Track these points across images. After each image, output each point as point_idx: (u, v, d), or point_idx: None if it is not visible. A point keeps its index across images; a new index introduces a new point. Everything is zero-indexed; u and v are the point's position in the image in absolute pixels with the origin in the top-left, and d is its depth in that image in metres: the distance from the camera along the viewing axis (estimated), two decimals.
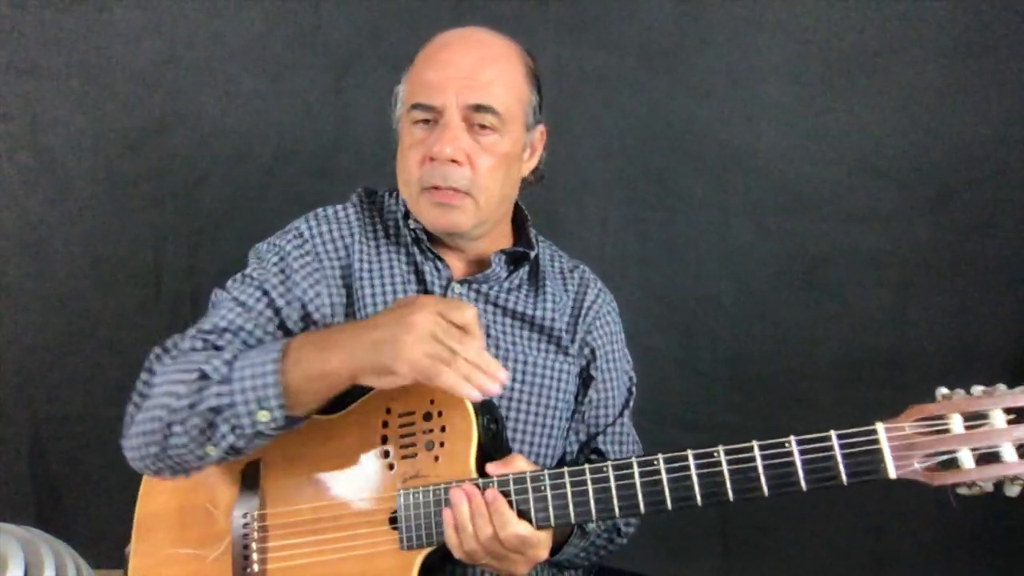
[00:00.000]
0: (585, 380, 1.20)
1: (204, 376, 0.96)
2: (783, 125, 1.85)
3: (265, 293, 1.09)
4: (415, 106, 1.09)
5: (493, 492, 0.93)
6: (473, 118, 1.07)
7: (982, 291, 1.85)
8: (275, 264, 1.11)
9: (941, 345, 1.87)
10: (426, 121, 1.09)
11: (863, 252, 1.87)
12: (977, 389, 0.85)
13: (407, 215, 1.15)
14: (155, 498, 1.10)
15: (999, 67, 1.79)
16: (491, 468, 0.97)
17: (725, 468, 0.89)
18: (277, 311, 1.08)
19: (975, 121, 1.81)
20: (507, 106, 1.09)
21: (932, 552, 1.86)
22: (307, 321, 1.10)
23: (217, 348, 1.03)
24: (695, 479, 0.90)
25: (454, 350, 0.89)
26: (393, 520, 0.99)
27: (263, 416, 0.93)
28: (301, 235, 1.14)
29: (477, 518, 0.93)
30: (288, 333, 1.08)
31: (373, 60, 1.86)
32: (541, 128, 1.18)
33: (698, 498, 0.90)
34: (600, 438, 1.21)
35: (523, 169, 1.18)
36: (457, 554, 0.95)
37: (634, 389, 1.28)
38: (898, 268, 1.86)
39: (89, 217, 1.91)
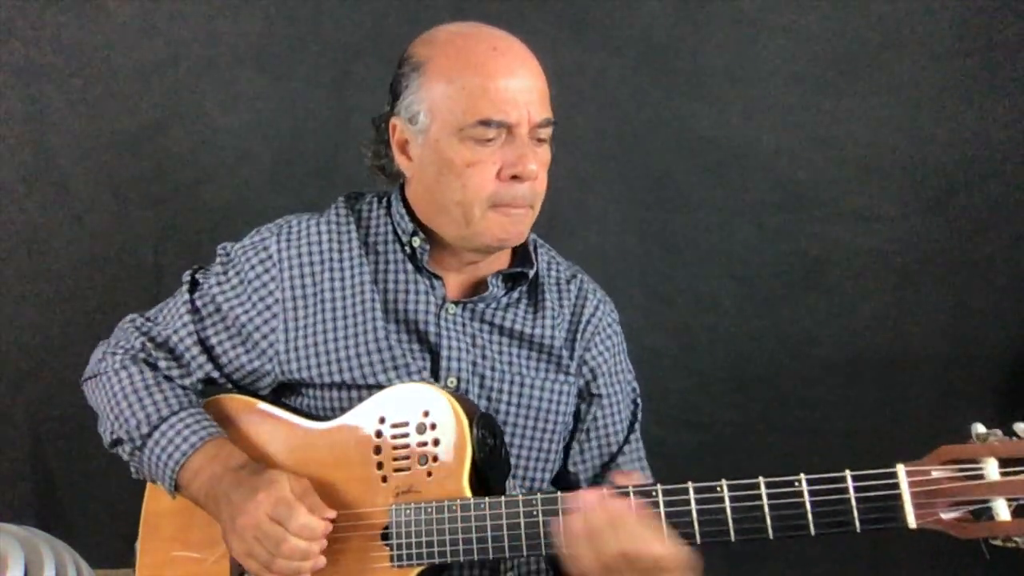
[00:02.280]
0: (586, 400, 1.16)
1: (118, 441, 1.10)
2: (783, 125, 1.85)
3: (217, 313, 1.11)
4: (484, 122, 1.01)
5: (637, 501, 0.84)
6: (536, 132, 1.04)
7: (982, 291, 1.85)
8: (233, 288, 1.11)
9: (941, 345, 1.87)
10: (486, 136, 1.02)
11: (863, 252, 1.87)
12: (1020, 427, 0.76)
13: (415, 231, 1.10)
14: (161, 497, 1.09)
15: (999, 67, 1.79)
16: (620, 479, 0.89)
17: (766, 503, 0.82)
18: (215, 338, 1.12)
19: (975, 121, 1.81)
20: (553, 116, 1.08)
21: (933, 551, 1.86)
22: (248, 345, 1.10)
23: (151, 364, 1.12)
24: (767, 509, 0.81)
25: (272, 553, 0.93)
26: (386, 535, 0.97)
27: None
28: (270, 256, 1.10)
29: (613, 529, 0.82)
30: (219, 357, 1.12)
31: (373, 60, 1.86)
32: None
33: (732, 534, 0.84)
34: (621, 458, 1.16)
35: None
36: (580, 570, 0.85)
37: (639, 401, 1.22)
38: (898, 268, 1.86)
39: (89, 217, 1.91)
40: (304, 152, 1.90)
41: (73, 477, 1.95)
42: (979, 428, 0.77)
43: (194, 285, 1.14)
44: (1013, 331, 1.85)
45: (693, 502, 0.84)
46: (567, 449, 1.17)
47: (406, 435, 0.98)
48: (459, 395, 1.03)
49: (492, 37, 1.06)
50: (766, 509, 0.82)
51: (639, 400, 1.23)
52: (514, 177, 1.02)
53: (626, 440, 1.18)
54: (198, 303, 1.12)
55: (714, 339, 1.91)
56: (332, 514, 0.96)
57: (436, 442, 0.96)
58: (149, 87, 1.88)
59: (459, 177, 1.03)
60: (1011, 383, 1.85)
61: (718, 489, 0.84)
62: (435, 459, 0.96)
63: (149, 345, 1.13)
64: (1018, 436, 0.75)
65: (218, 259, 1.15)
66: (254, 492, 0.95)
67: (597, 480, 1.15)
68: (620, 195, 1.90)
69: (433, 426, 0.97)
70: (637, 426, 1.20)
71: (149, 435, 1.06)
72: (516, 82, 1.02)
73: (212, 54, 1.87)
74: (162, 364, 1.12)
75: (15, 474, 1.96)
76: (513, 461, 1.09)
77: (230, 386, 1.14)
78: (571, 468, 1.16)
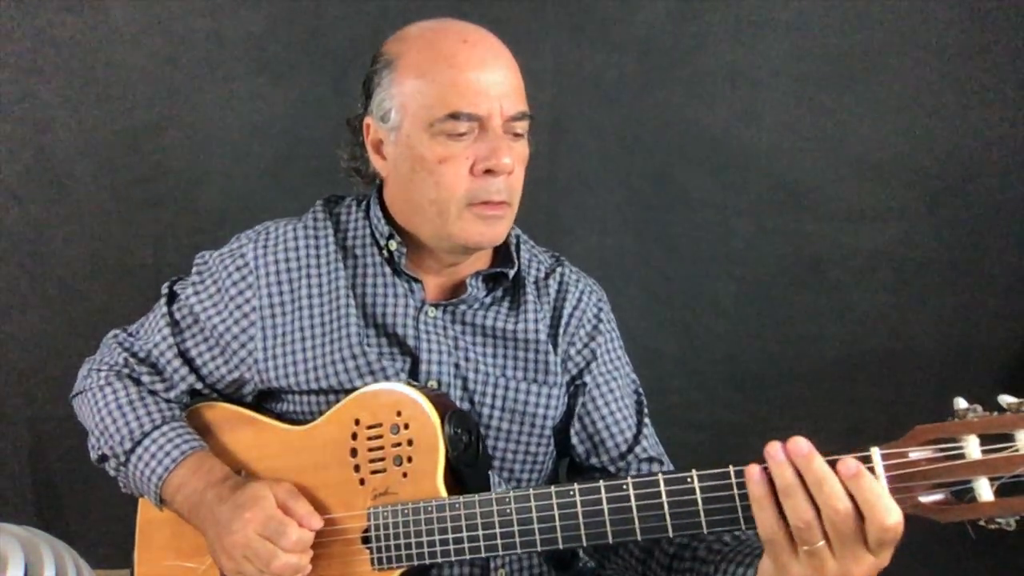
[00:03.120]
0: (578, 393, 1.11)
1: (104, 458, 1.10)
2: (783, 125, 1.85)
3: (196, 324, 1.11)
4: (454, 115, 0.98)
5: (856, 464, 0.71)
6: (511, 126, 1.01)
7: (982, 291, 1.85)
8: (211, 297, 1.10)
9: (941, 345, 1.87)
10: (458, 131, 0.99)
11: (863, 252, 1.87)
12: (1005, 399, 0.70)
13: (391, 235, 1.08)
14: (152, 507, 1.08)
15: (999, 67, 1.79)
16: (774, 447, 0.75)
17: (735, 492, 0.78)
18: (194, 349, 1.11)
19: (975, 121, 1.81)
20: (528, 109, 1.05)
21: (933, 549, 1.86)
22: (227, 355, 1.09)
23: (135, 379, 1.12)
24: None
25: (262, 570, 0.92)
26: (367, 538, 0.96)
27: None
28: (247, 264, 1.08)
29: (817, 488, 0.71)
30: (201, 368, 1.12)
31: None
32: None
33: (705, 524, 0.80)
34: (638, 448, 1.10)
35: None
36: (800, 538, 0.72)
37: (641, 391, 1.17)
38: (898, 268, 1.86)
39: (89, 217, 1.91)
40: (304, 152, 1.90)
41: (73, 477, 1.95)
42: (960, 403, 0.72)
43: (172, 297, 1.13)
44: (1013, 331, 1.85)
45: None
46: (571, 445, 1.12)
47: (380, 436, 0.96)
48: (435, 393, 1.01)
49: (463, 30, 1.03)
50: (737, 499, 0.79)
51: (641, 391, 1.18)
52: (488, 171, 0.99)
53: (639, 430, 1.12)
54: (176, 315, 1.11)
55: (714, 339, 1.92)
56: (320, 523, 0.95)
57: (410, 442, 0.94)
58: (149, 87, 1.88)
59: (432, 174, 1.00)
60: (1011, 382, 1.85)
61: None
62: (409, 459, 0.94)
63: (132, 360, 1.12)
64: (1002, 409, 0.70)
65: (195, 268, 1.13)
66: (240, 510, 0.94)
67: (619, 473, 1.10)
68: (620, 195, 1.90)
69: (406, 426, 0.95)
70: (647, 419, 1.14)
71: (132, 450, 1.05)
72: (487, 74, 0.99)
73: (212, 54, 1.88)
74: (145, 379, 1.11)
75: (15, 474, 1.96)
76: (500, 463, 1.07)
77: (215, 396, 1.13)
78: (589, 462, 1.12)
